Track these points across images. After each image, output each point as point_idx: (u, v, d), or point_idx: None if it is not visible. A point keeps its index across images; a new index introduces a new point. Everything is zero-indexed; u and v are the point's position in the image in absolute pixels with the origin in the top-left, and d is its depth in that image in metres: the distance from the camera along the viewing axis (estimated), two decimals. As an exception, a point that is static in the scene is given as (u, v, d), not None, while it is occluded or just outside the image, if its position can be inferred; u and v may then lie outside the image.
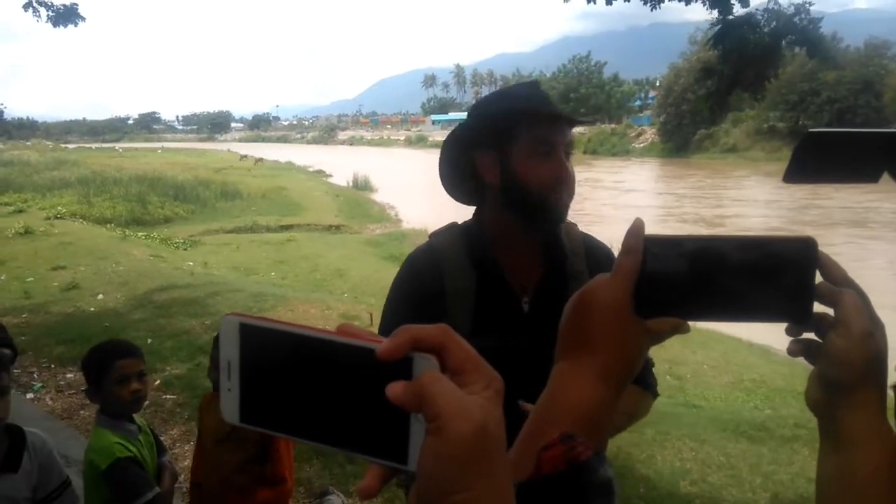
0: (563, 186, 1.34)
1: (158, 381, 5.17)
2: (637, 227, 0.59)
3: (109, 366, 2.15)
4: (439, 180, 1.46)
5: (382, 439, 0.43)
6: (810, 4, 6.00)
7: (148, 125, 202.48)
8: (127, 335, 5.62)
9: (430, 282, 1.38)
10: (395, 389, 0.41)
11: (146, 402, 2.92)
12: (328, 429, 0.44)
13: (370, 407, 0.42)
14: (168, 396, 4.91)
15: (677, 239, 0.58)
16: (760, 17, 6.08)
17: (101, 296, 8.22)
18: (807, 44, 5.97)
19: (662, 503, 3.53)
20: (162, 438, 2.91)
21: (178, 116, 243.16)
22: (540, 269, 1.42)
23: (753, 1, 6.25)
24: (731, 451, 4.27)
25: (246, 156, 52.08)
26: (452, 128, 1.48)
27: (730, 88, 6.36)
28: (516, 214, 1.37)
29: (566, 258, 1.43)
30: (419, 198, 26.37)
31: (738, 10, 6.16)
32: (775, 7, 6.07)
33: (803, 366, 0.62)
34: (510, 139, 1.32)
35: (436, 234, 1.48)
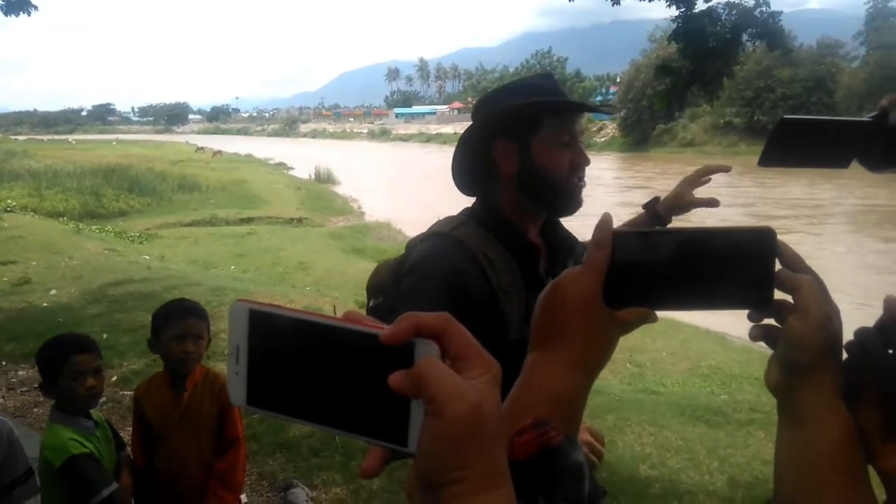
0: (581, 172, 1.40)
1: (115, 377, 5.05)
2: (605, 221, 0.61)
3: (65, 361, 2.11)
4: (451, 173, 1.47)
5: (384, 422, 0.44)
6: None
7: (102, 117, 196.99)
8: (82, 330, 5.44)
9: (476, 280, 1.33)
10: (395, 378, 0.43)
11: (103, 399, 2.85)
12: (331, 412, 0.45)
13: (373, 390, 0.44)
14: (126, 392, 4.80)
15: (644, 232, 0.61)
16: (721, 11, 6.10)
17: (54, 291, 7.97)
18: (767, 37, 6.02)
19: (623, 487, 3.60)
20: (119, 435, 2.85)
21: (133, 108, 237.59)
22: (545, 252, 1.47)
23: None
24: (688, 435, 4.38)
25: (202, 148, 50.98)
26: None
27: (688, 84, 6.35)
28: (535, 202, 1.41)
29: (576, 240, 1.52)
30: (382, 191, 26.27)
31: (700, 5, 6.17)
32: (735, 1, 6.09)
33: (758, 352, 0.64)
34: (533, 129, 1.36)
35: (453, 230, 1.41)
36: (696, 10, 6.13)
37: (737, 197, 23.50)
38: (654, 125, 51.05)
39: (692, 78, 6.20)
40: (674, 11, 6.23)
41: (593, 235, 0.61)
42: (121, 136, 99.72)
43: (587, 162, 1.41)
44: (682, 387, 6.16)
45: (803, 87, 46.23)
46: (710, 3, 6.16)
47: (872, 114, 0.70)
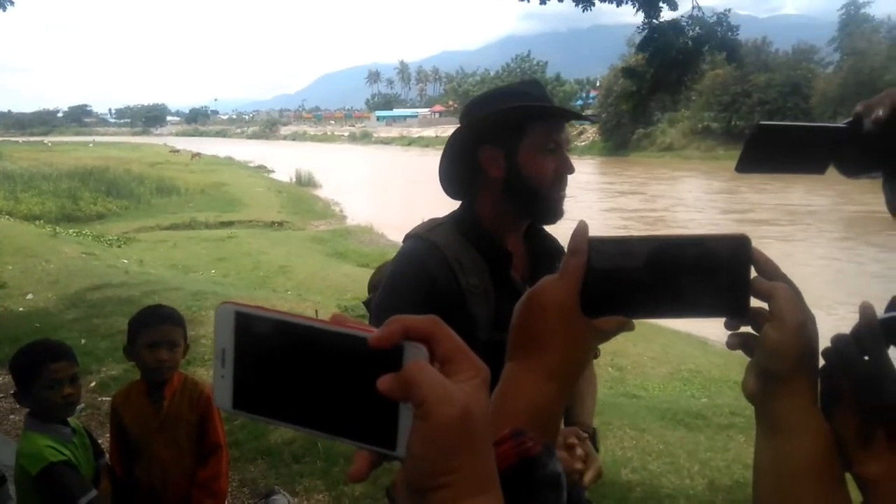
0: (564, 181, 1.42)
1: (94, 383, 4.98)
2: (581, 228, 0.60)
3: (40, 369, 2.06)
4: (438, 176, 1.48)
5: (372, 426, 0.44)
6: (729, 11, 6.34)
7: (79, 118, 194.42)
8: (59, 336, 5.38)
9: (446, 281, 1.36)
10: (384, 381, 0.42)
11: (81, 405, 2.81)
12: (319, 416, 0.45)
13: (361, 394, 0.43)
14: (104, 398, 4.72)
15: (620, 239, 0.60)
16: (685, 24, 6.36)
17: (30, 295, 7.85)
18: (725, 48, 6.29)
19: (604, 491, 3.61)
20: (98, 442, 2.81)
21: (110, 109, 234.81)
22: (526, 258, 1.49)
23: (679, 8, 6.55)
24: (669, 439, 4.41)
25: (178, 150, 50.44)
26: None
27: (652, 90, 6.64)
28: (518, 208, 1.42)
29: (561, 248, 1.52)
30: (364, 194, 26.22)
31: (665, 13, 6.42)
32: (699, 14, 6.36)
33: (738, 357, 0.64)
34: (519, 135, 1.38)
35: (429, 232, 1.45)
36: (662, 21, 6.37)
37: (734, 203, 23.67)
38: (634, 129, 51.52)
39: (656, 83, 6.47)
40: (642, 18, 6.43)
41: (569, 243, 0.61)
42: (97, 138, 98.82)
43: (571, 170, 1.42)
44: (663, 390, 6.22)
45: (779, 92, 46.99)
46: (675, 13, 6.43)
47: (847, 120, 0.70)
